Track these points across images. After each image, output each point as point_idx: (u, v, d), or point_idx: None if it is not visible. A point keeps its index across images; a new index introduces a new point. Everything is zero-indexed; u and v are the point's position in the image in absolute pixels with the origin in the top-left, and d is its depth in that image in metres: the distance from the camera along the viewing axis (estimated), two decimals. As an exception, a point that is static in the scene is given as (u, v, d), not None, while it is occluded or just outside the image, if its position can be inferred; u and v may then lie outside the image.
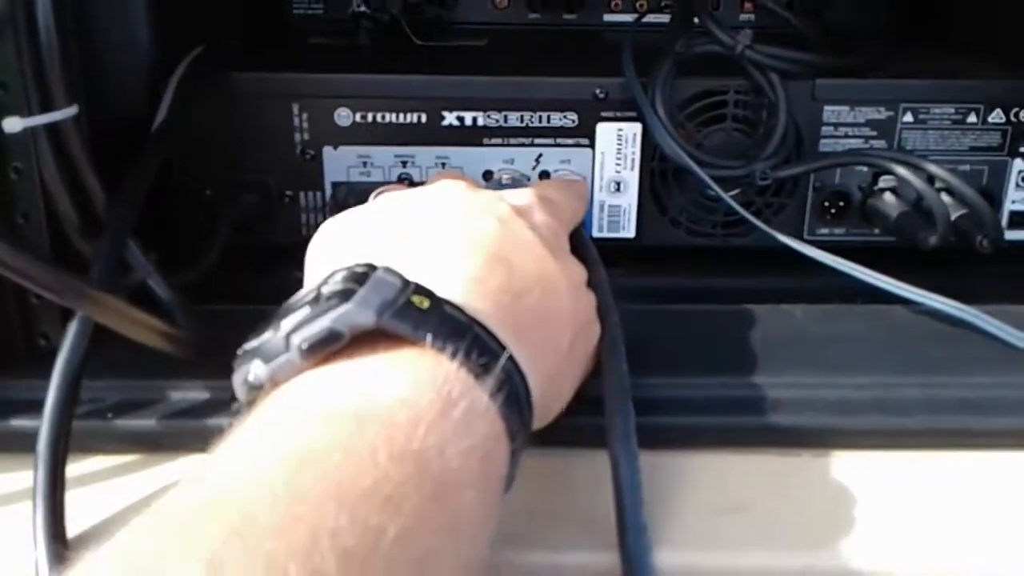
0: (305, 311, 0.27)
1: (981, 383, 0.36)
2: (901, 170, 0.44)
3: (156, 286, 0.37)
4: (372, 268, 0.28)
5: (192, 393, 0.36)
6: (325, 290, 0.27)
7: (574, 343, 0.32)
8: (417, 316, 0.26)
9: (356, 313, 0.26)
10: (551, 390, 0.31)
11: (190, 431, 0.35)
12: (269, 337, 0.27)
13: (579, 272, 0.36)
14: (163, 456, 0.35)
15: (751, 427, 0.35)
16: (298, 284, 0.31)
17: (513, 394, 0.27)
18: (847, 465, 0.34)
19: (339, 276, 0.28)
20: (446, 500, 0.23)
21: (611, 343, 0.35)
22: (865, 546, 0.30)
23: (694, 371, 0.37)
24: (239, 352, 0.28)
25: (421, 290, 0.27)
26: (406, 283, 0.27)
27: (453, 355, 0.26)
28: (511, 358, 0.28)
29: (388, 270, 0.28)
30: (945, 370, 0.37)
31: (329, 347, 0.26)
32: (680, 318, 0.41)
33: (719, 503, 0.32)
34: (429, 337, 0.26)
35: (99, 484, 0.34)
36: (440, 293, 0.28)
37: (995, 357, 0.38)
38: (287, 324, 0.27)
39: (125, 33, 0.47)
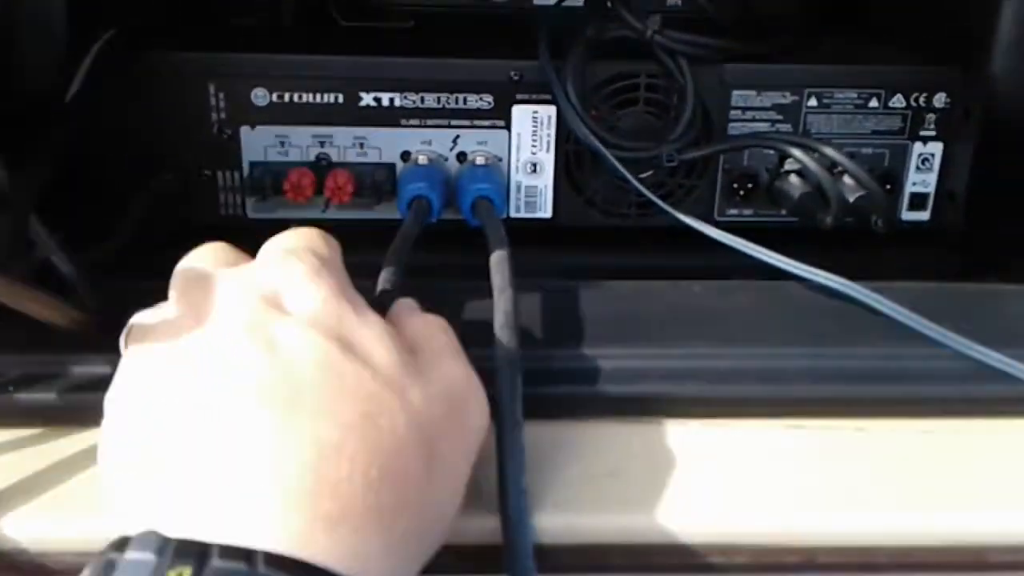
0: None
1: (862, 354, 0.38)
2: (798, 153, 0.46)
3: (60, 263, 0.38)
4: (121, 546, 0.23)
5: (95, 367, 0.36)
6: None
7: (434, 451, 0.27)
8: None
9: None
10: (416, 528, 0.26)
11: (92, 405, 0.36)
12: None
13: (399, 356, 0.28)
14: (64, 430, 0.35)
15: (636, 396, 0.36)
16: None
17: None
18: (728, 433, 0.36)
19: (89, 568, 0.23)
20: None
21: (504, 320, 0.36)
22: (733, 507, 0.32)
23: (587, 343, 0.38)
24: None
25: (184, 550, 0.22)
26: (162, 552, 0.22)
27: None
28: (309, 569, 0.23)
29: (142, 541, 0.23)
30: (829, 342, 0.39)
31: None
32: (582, 294, 0.42)
33: (596, 469, 0.33)
34: None
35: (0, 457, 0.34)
36: (217, 533, 0.23)
37: (878, 331, 0.39)
38: None
39: (37, 9, 0.46)
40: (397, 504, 0.25)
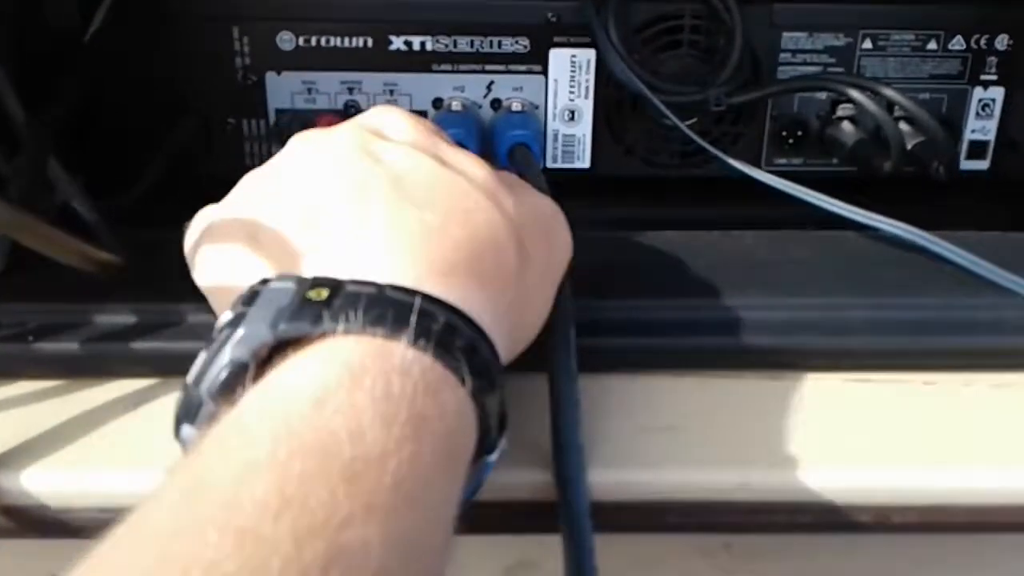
0: (202, 356, 0.25)
1: (928, 304, 0.35)
2: (857, 95, 0.43)
3: (80, 208, 0.36)
4: (264, 283, 0.26)
5: (119, 317, 0.35)
6: (218, 325, 0.25)
7: (528, 254, 0.29)
8: (315, 310, 0.24)
9: (250, 335, 0.24)
10: (515, 316, 0.28)
11: (115, 355, 0.34)
12: (182, 399, 0.25)
13: (494, 175, 0.31)
14: (87, 381, 0.34)
15: (691, 349, 0.34)
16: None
17: (444, 337, 0.24)
18: (787, 387, 0.34)
19: (230, 307, 0.26)
20: (367, 476, 0.21)
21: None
22: (797, 464, 0.30)
23: (638, 294, 0.36)
24: (173, 427, 0.26)
25: (320, 282, 0.25)
26: (301, 282, 0.25)
27: (362, 328, 0.24)
28: (429, 298, 0.25)
29: (281, 277, 0.26)
30: (892, 292, 0.36)
31: (238, 380, 0.24)
32: (629, 244, 0.40)
33: (654, 422, 0.31)
34: (331, 325, 0.24)
35: (20, 409, 0.33)
36: (347, 274, 0.25)
37: (943, 280, 0.37)
38: (190, 377, 0.25)
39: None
40: (496, 278, 0.27)
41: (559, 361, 0.31)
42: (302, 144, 0.31)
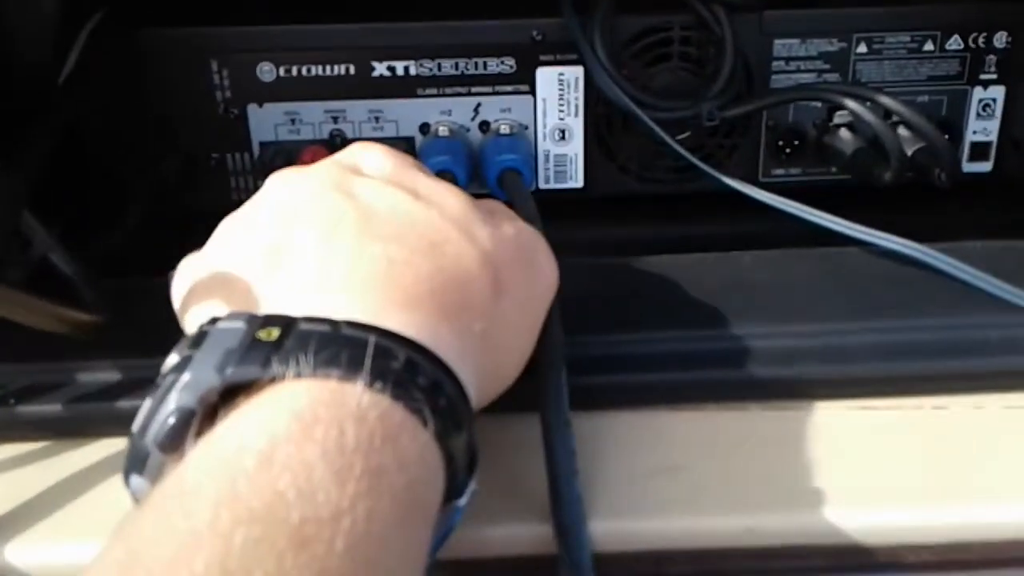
0: (147, 404, 0.24)
1: (934, 325, 0.34)
2: (852, 104, 0.42)
3: (59, 261, 0.35)
4: (213, 322, 0.25)
5: (101, 374, 0.34)
6: (163, 369, 0.24)
7: (504, 287, 0.28)
8: (265, 352, 0.23)
9: (196, 380, 0.23)
10: (488, 350, 0.27)
11: (100, 415, 0.33)
12: (129, 449, 0.24)
13: (471, 205, 0.30)
14: (72, 443, 0.33)
15: (689, 383, 0.33)
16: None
17: (404, 376, 0.23)
18: (791, 418, 0.32)
19: (176, 349, 0.25)
20: (318, 541, 0.19)
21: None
22: (805, 505, 0.29)
23: (634, 326, 0.35)
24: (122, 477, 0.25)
25: (271, 320, 0.24)
26: (251, 321, 0.24)
27: (314, 371, 0.22)
28: (388, 334, 0.24)
29: (231, 316, 0.25)
30: (897, 313, 0.35)
31: (185, 428, 0.23)
32: (624, 271, 0.39)
33: (654, 463, 0.30)
34: (280, 368, 0.22)
35: (3, 475, 0.32)
36: (301, 311, 0.24)
37: (950, 297, 0.36)
38: (136, 426, 0.24)
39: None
40: (464, 311, 0.26)
41: (551, 407, 0.30)
42: (277, 183, 0.30)
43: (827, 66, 0.48)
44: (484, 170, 0.46)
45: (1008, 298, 0.34)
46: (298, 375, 0.22)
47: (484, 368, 0.27)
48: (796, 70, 0.48)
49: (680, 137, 0.47)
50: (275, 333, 0.23)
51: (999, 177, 0.50)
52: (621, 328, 0.35)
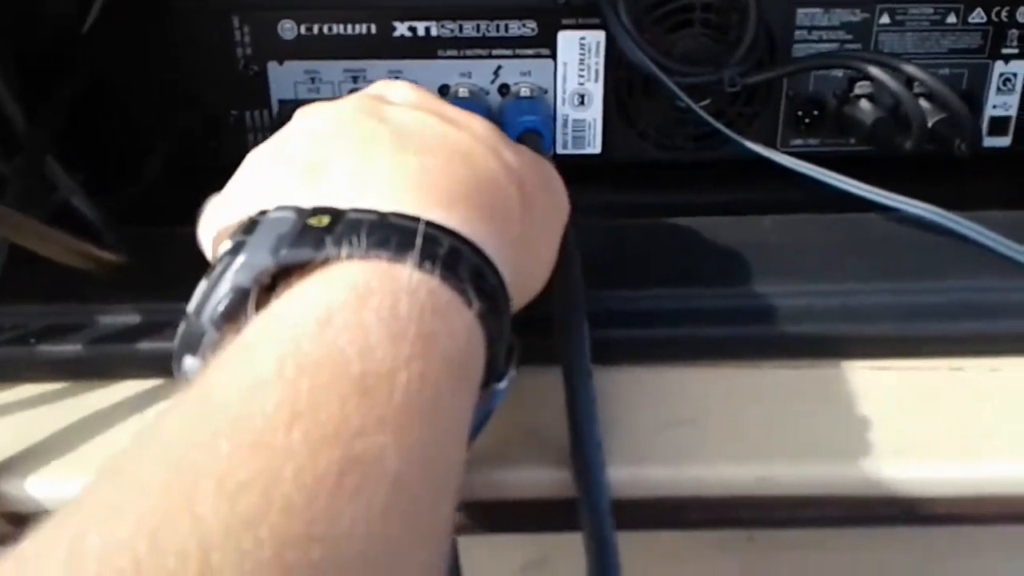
0: (203, 286, 0.25)
1: (952, 287, 0.34)
2: (876, 71, 0.42)
3: (81, 205, 0.35)
4: (262, 213, 0.26)
5: (122, 317, 0.34)
6: (216, 255, 0.25)
7: (530, 201, 0.29)
8: (318, 236, 0.24)
9: (251, 261, 0.24)
10: (519, 255, 0.28)
11: (119, 356, 0.33)
12: (183, 330, 0.25)
13: (496, 130, 0.31)
14: (91, 384, 0.33)
15: (708, 338, 0.33)
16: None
17: (450, 260, 0.24)
18: (806, 376, 0.33)
19: (228, 235, 0.26)
20: (378, 390, 0.21)
21: (564, 258, 0.33)
22: (821, 457, 0.29)
23: (652, 283, 0.35)
24: (173, 360, 0.25)
25: (320, 210, 0.25)
26: (300, 211, 0.25)
27: (366, 252, 0.23)
28: (433, 224, 0.25)
29: (281, 207, 0.25)
30: (915, 276, 0.35)
31: (240, 307, 0.24)
32: (642, 232, 0.39)
33: (671, 415, 0.30)
34: (334, 249, 0.23)
35: (24, 414, 0.32)
36: (347, 204, 0.25)
37: (969, 262, 0.36)
38: (191, 306, 0.25)
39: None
40: (499, 212, 0.27)
41: (573, 356, 0.30)
42: (307, 113, 0.31)
43: (849, 36, 0.47)
44: (504, 132, 0.46)
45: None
46: (350, 256, 0.23)
47: (518, 270, 0.27)
48: (819, 40, 0.48)
49: (701, 104, 0.47)
50: (325, 220, 0.24)
51: (1018, 152, 0.50)
52: (638, 285, 0.35)
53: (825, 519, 0.29)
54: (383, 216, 0.24)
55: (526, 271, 0.29)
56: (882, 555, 0.35)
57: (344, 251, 0.23)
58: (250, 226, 0.25)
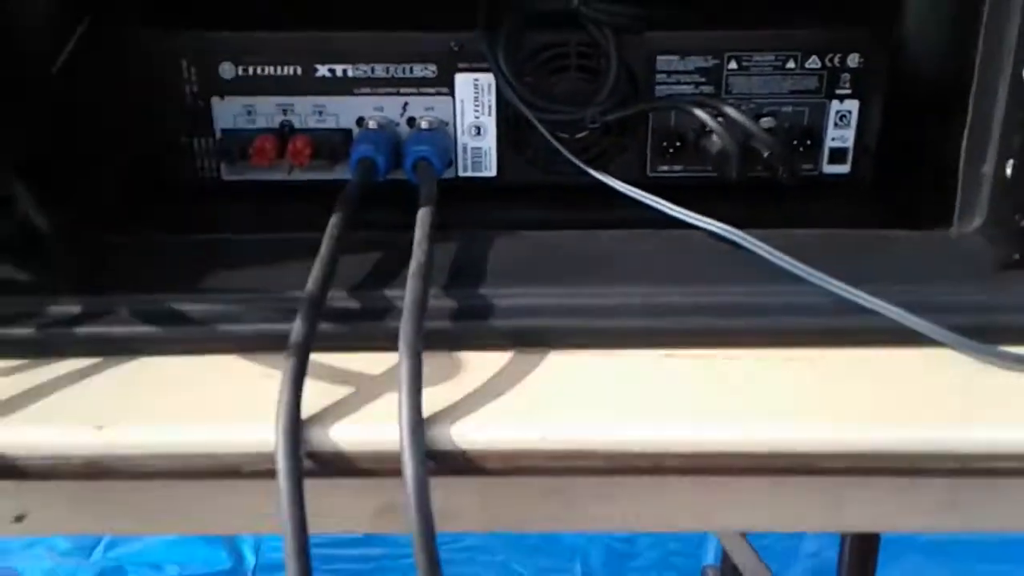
0: None
1: (732, 291, 0.43)
2: (700, 113, 0.50)
3: (35, 217, 0.44)
4: None
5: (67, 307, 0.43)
6: None
7: None
8: None
9: None
10: None
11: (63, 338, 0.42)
12: None
13: None
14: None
15: (527, 329, 0.41)
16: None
17: None
18: (608, 361, 0.41)
19: None
20: None
21: (416, 268, 0.41)
22: (594, 420, 0.37)
23: (489, 284, 0.43)
24: None
25: None
26: None
27: None
28: None
29: None
30: (706, 280, 0.43)
31: None
32: (498, 243, 0.47)
33: (487, 391, 0.39)
34: None
35: None
36: None
37: (754, 271, 0.44)
38: None
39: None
40: None
41: (406, 341, 0.38)
42: None
43: (703, 79, 0.56)
44: (404, 159, 0.55)
45: (794, 272, 0.42)
46: None
47: None
48: (677, 82, 0.56)
49: (579, 136, 0.56)
50: None
51: (857, 178, 0.58)
52: (478, 285, 0.43)
53: (589, 470, 0.37)
54: None
55: None
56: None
57: None
58: None
